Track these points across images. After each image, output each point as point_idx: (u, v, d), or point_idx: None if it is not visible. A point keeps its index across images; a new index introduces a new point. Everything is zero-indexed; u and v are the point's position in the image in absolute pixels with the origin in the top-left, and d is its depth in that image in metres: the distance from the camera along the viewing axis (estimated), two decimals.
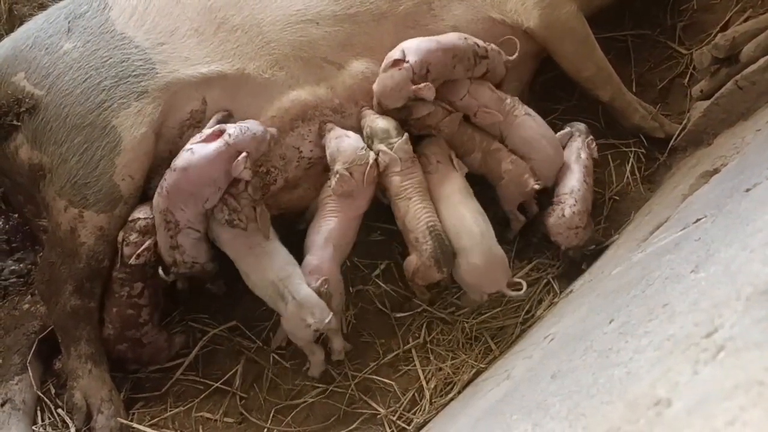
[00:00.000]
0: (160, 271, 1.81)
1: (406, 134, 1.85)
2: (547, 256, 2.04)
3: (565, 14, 2.03)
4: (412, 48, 1.83)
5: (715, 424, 0.52)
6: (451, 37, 1.89)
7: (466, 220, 1.80)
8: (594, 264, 1.94)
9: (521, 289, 1.81)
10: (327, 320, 1.68)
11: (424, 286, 1.89)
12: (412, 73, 1.81)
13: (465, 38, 1.89)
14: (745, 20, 2.11)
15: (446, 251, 1.78)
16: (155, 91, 1.74)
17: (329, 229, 1.81)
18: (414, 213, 1.81)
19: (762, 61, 1.74)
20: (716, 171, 1.59)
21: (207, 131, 1.72)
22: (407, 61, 1.81)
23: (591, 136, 2.08)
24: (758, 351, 0.57)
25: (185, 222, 1.74)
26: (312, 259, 1.78)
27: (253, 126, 1.73)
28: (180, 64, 1.78)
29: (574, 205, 1.94)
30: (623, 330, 0.96)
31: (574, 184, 1.97)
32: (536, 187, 1.93)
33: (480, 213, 1.83)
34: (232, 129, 1.70)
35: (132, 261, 1.74)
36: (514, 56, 1.97)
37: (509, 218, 2.01)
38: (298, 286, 1.70)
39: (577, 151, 2.03)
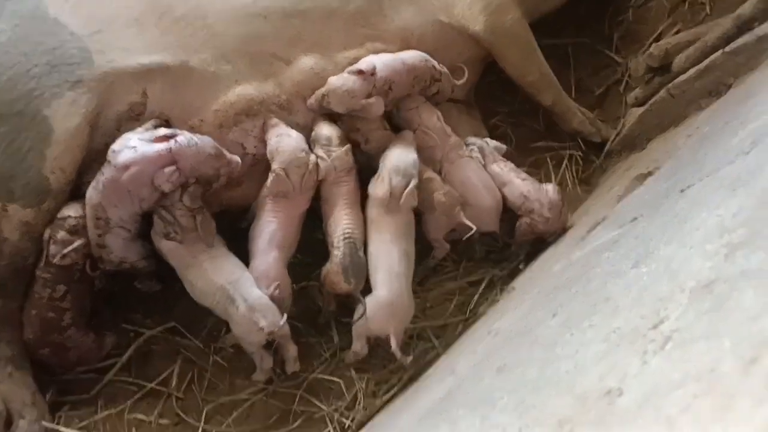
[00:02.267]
0: (87, 268, 1.71)
1: (348, 146, 1.85)
2: (490, 257, 2.08)
3: (509, 20, 2.08)
4: (380, 64, 1.85)
5: (668, 412, 0.54)
6: (414, 58, 1.91)
7: (392, 255, 1.75)
8: (534, 262, 1.99)
9: (407, 357, 1.73)
10: (281, 323, 1.65)
11: (334, 296, 1.83)
12: (373, 87, 1.83)
13: (426, 60, 1.92)
14: (677, 32, 2.23)
15: (357, 262, 1.74)
16: (91, 81, 1.66)
17: (271, 231, 1.77)
18: (335, 218, 1.80)
19: (692, 71, 1.84)
20: (650, 173, 1.66)
21: (159, 131, 1.65)
22: (373, 75, 1.83)
23: (489, 146, 2.03)
24: (706, 341, 0.60)
25: (117, 220, 1.66)
26: (259, 264, 1.73)
27: (203, 143, 1.66)
28: (118, 54, 1.70)
29: (540, 202, 1.91)
30: (567, 324, 0.98)
31: (521, 190, 1.95)
32: (468, 223, 1.85)
33: (408, 256, 1.78)
34: (181, 138, 1.64)
35: (57, 261, 1.65)
36: (462, 81, 2.01)
37: (433, 246, 1.96)
38: (249, 289, 1.66)
39: (494, 161, 2.01)
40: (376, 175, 1.84)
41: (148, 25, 1.75)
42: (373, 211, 1.83)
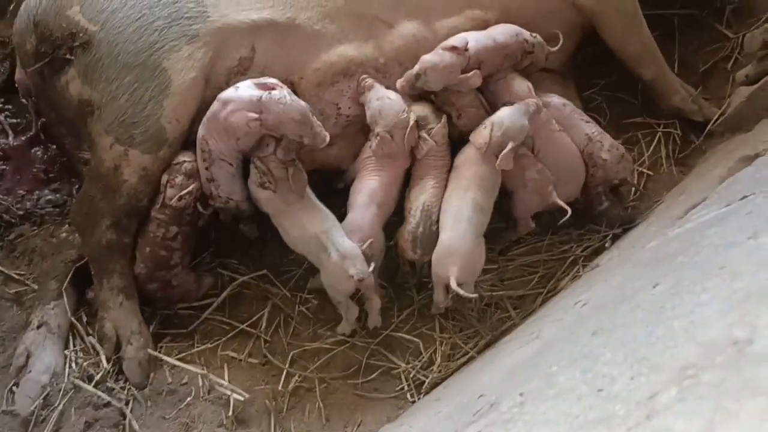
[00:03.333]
0: (198, 206, 1.82)
1: (444, 118, 1.87)
2: (571, 231, 2.05)
3: None
4: (472, 41, 1.86)
5: None
6: (505, 35, 1.90)
7: (464, 202, 1.77)
8: (620, 242, 1.96)
9: (472, 294, 1.73)
10: (370, 270, 1.71)
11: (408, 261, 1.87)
12: (467, 62, 1.84)
13: (516, 35, 1.91)
14: None
15: (428, 234, 1.77)
16: (206, 35, 1.75)
17: (372, 188, 1.83)
18: (420, 188, 1.84)
19: None
20: (758, 155, 1.59)
21: (266, 79, 1.74)
22: (466, 50, 1.83)
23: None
24: None
25: (218, 153, 1.76)
26: (355, 217, 1.80)
27: (293, 105, 1.71)
28: (231, 9, 1.77)
29: (601, 144, 1.92)
30: (675, 291, 0.96)
31: (584, 132, 1.94)
32: (562, 203, 1.85)
33: (480, 207, 1.78)
34: (276, 92, 1.71)
35: (173, 203, 1.77)
36: (556, 48, 1.97)
37: (518, 223, 1.96)
38: (341, 238, 1.73)
39: (556, 106, 1.97)
40: (481, 124, 1.85)
41: None
42: (461, 157, 1.86)
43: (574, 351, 1.03)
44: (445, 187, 1.85)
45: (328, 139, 1.76)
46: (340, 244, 1.72)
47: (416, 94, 1.92)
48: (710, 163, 1.96)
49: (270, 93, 1.71)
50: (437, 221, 1.80)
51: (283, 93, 1.72)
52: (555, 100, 1.99)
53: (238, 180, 1.82)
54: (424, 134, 1.85)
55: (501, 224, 1.99)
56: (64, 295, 1.87)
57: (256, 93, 1.72)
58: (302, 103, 1.74)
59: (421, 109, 1.88)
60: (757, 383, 0.61)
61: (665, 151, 2.17)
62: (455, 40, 1.86)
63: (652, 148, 2.18)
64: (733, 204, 1.24)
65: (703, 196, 1.57)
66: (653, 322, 0.90)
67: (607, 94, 2.21)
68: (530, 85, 1.95)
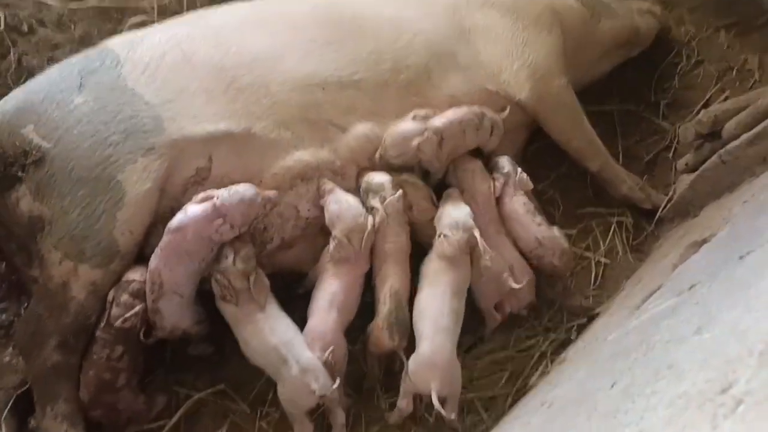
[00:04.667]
0: (141, 335, 1.76)
1: (401, 191, 1.89)
2: (537, 325, 2.04)
3: (555, 88, 2.14)
4: (432, 118, 1.94)
5: None
6: (459, 110, 1.98)
7: (441, 310, 1.76)
8: (585, 332, 1.95)
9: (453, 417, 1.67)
10: (333, 387, 1.65)
11: (378, 357, 1.83)
12: (426, 131, 1.91)
13: (468, 107, 1.99)
14: (725, 99, 2.23)
15: (402, 320, 1.75)
16: (162, 147, 1.76)
17: (332, 293, 1.80)
18: (384, 273, 1.83)
19: (744, 137, 1.83)
20: (705, 241, 1.64)
21: (198, 195, 1.76)
22: (425, 118, 1.92)
23: (513, 171, 2.02)
24: None
25: (171, 285, 1.72)
26: (316, 324, 1.75)
27: (242, 189, 1.75)
28: (188, 121, 1.81)
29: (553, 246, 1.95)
30: (629, 391, 0.96)
31: (532, 233, 1.96)
32: (515, 285, 1.88)
33: (456, 314, 1.79)
34: (220, 192, 1.74)
35: (118, 324, 1.71)
36: (504, 114, 2.05)
37: (485, 316, 1.97)
38: (302, 350, 1.68)
39: (509, 195, 2.00)
40: (436, 236, 1.86)
41: (216, 93, 1.86)
42: (431, 266, 1.85)
43: None
44: (408, 269, 1.85)
45: (275, 193, 1.79)
46: (302, 357, 1.66)
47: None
48: (663, 250, 2.01)
49: (217, 197, 1.73)
50: (407, 306, 1.78)
51: (222, 191, 1.74)
52: (513, 201, 2.01)
53: (188, 309, 1.78)
54: (377, 203, 1.85)
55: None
56: (2, 425, 1.74)
57: (204, 205, 1.73)
58: (241, 186, 1.76)
59: (380, 177, 1.90)
60: None
61: (620, 239, 2.22)
62: (420, 110, 1.95)
63: (609, 237, 2.22)
64: (683, 294, 1.26)
65: (658, 284, 1.60)
66: (607, 429, 0.88)
67: (558, 186, 2.28)
68: (492, 184, 2.00)
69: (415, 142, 1.91)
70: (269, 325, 1.71)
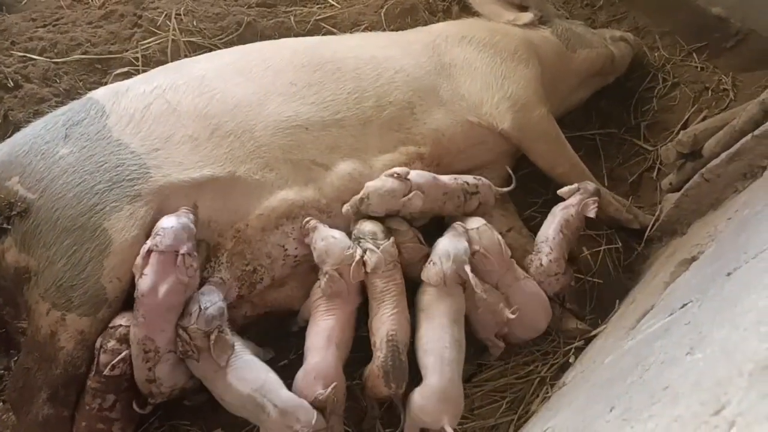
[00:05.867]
0: (134, 406, 1.71)
1: (393, 238, 1.90)
2: (535, 351, 2.03)
3: (536, 117, 2.18)
4: (413, 173, 1.95)
5: None
6: (445, 177, 2.01)
7: (444, 342, 1.76)
8: (584, 355, 1.94)
9: None
10: (314, 421, 1.61)
11: (376, 401, 1.81)
12: (408, 189, 1.91)
13: (455, 179, 2.01)
14: (703, 119, 2.27)
15: (398, 366, 1.73)
16: (148, 194, 1.77)
17: (329, 328, 1.78)
18: (380, 317, 1.81)
19: (723, 155, 1.86)
20: (694, 258, 1.65)
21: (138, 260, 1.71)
22: (408, 179, 1.92)
23: (595, 197, 2.09)
24: None
25: (167, 345, 1.69)
26: (317, 362, 1.73)
27: (165, 223, 1.71)
28: (174, 168, 1.81)
29: (550, 252, 2.01)
30: (626, 416, 0.96)
31: (549, 232, 2.05)
32: (511, 316, 1.88)
33: (459, 343, 1.79)
34: (153, 241, 1.69)
35: (106, 372, 1.67)
36: (505, 190, 2.11)
37: (487, 345, 1.97)
38: (277, 391, 1.64)
39: (569, 205, 2.08)
40: (427, 262, 1.87)
41: (200, 140, 1.87)
42: (424, 297, 1.85)
43: None
44: (406, 307, 1.84)
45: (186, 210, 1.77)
46: (277, 399, 1.63)
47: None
48: (654, 269, 2.01)
49: (154, 244, 1.68)
50: (404, 351, 1.76)
51: (152, 239, 1.69)
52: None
53: (181, 363, 1.74)
54: (371, 245, 1.84)
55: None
56: None
57: (153, 258, 1.68)
58: (162, 221, 1.72)
59: (371, 225, 1.90)
60: None
61: (610, 260, 2.23)
62: (396, 169, 1.94)
63: (599, 258, 2.23)
64: (676, 313, 1.27)
65: (651, 304, 1.60)
66: None
67: (545, 211, 2.29)
68: (501, 238, 1.97)
69: (402, 199, 1.91)
70: (236, 376, 1.67)
